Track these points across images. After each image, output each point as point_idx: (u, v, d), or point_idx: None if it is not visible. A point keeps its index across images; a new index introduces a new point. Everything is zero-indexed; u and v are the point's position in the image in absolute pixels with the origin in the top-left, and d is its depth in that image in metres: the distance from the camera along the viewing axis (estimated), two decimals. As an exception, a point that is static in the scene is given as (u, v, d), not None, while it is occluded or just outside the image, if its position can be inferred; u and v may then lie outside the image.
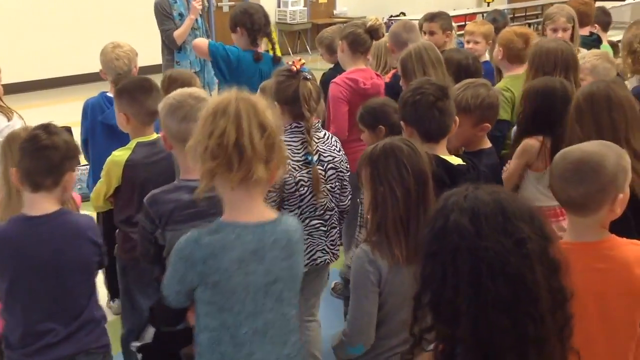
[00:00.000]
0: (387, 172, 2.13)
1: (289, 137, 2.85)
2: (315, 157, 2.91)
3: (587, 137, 2.47)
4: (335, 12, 15.61)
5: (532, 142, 3.07)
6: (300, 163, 2.87)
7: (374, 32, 3.87)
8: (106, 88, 3.69)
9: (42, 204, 2.25)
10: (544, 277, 1.30)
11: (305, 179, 2.88)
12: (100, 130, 3.55)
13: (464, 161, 2.65)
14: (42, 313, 2.26)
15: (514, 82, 3.82)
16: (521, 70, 3.91)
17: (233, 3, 13.48)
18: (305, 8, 14.67)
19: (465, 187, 1.39)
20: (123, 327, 3.09)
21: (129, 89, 2.80)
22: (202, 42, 4.32)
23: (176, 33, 5.31)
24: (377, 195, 2.14)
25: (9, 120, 3.40)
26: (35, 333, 2.26)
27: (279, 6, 13.94)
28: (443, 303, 1.33)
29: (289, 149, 2.81)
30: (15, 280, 2.25)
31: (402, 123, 2.75)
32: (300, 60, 2.94)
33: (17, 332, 2.27)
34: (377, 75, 3.98)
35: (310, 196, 2.90)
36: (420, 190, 2.12)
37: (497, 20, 5.38)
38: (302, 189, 2.87)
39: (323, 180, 2.93)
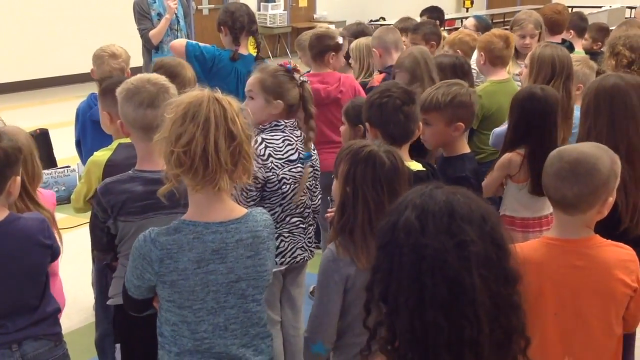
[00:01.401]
0: (363, 180, 2.12)
1: (271, 135, 2.87)
2: (296, 156, 2.92)
3: (600, 131, 2.55)
4: (315, 16, 15.64)
5: (512, 157, 3.04)
6: (283, 161, 2.88)
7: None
8: (95, 89, 3.68)
9: None
10: (484, 282, 1.29)
11: (288, 177, 2.89)
12: (90, 128, 3.52)
13: (423, 167, 2.67)
14: None
15: (495, 87, 3.84)
16: (504, 74, 3.93)
17: (213, 6, 13.48)
18: (285, 12, 14.69)
19: (427, 185, 1.40)
20: (97, 329, 3.06)
21: (112, 87, 2.77)
22: (179, 42, 4.30)
23: (151, 32, 5.30)
24: (347, 196, 2.14)
25: None
26: None
27: (259, 9, 13.94)
28: (389, 295, 1.34)
29: (271, 147, 2.83)
30: None
31: (367, 124, 2.77)
32: (293, 64, 2.99)
33: None
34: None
35: (292, 194, 2.92)
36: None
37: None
38: (284, 186, 2.89)
39: (310, 177, 2.98)
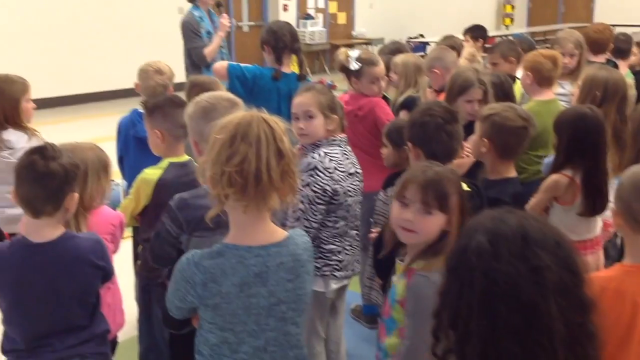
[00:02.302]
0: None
1: (331, 149, 2.88)
2: (354, 169, 2.96)
3: None
4: (353, 33, 15.71)
5: (559, 178, 2.99)
6: (345, 174, 2.89)
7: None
8: (137, 104, 3.73)
9: (43, 231, 2.23)
10: (560, 309, 1.26)
11: (350, 189, 2.90)
12: (133, 145, 3.56)
13: (468, 186, 2.62)
14: (39, 332, 2.26)
15: (541, 107, 3.78)
16: (550, 94, 3.88)
17: (253, 23, 13.61)
18: (324, 29, 14.77)
19: (498, 209, 1.37)
20: (140, 344, 3.07)
21: (161, 105, 2.81)
22: (221, 65, 4.34)
23: (206, 50, 5.36)
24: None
25: (29, 139, 3.35)
26: (32, 347, 2.26)
27: (298, 27, 14.02)
28: (459, 321, 1.31)
29: (334, 160, 2.85)
30: (13, 303, 2.25)
31: (408, 144, 2.76)
32: (330, 80, 3.00)
33: (16, 343, 2.28)
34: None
35: (354, 205, 2.93)
36: None
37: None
38: (349, 199, 2.90)
39: (360, 191, 2.99)
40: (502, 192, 2.80)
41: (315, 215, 2.80)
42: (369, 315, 4.00)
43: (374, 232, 2.89)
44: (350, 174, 2.93)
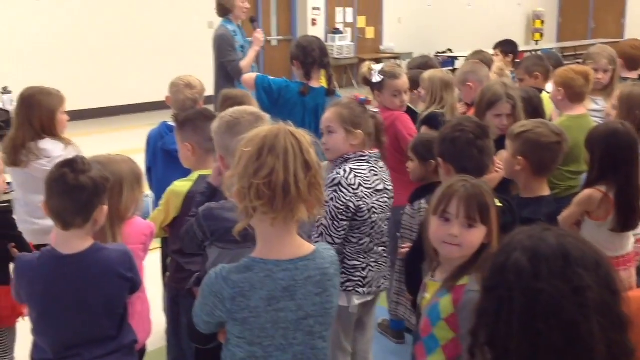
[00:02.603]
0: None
1: (357, 165, 2.86)
2: (382, 186, 2.93)
3: None
4: (381, 47, 15.73)
5: (593, 193, 2.96)
6: (371, 190, 2.87)
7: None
8: (167, 117, 3.77)
9: (73, 242, 2.25)
10: (601, 329, 1.25)
11: (377, 207, 2.89)
12: (161, 157, 3.61)
13: (501, 202, 2.59)
14: (68, 342, 2.27)
15: (573, 122, 3.75)
16: (581, 109, 3.85)
17: (282, 37, 13.70)
18: (353, 43, 14.81)
19: (534, 227, 1.36)
20: (168, 355, 3.08)
21: (191, 118, 2.83)
22: (249, 76, 4.38)
23: (242, 63, 5.40)
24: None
25: (64, 148, 3.44)
26: (61, 357, 2.28)
27: (326, 41, 14.08)
28: (496, 340, 1.29)
29: (360, 176, 2.83)
30: (42, 314, 2.27)
31: (439, 159, 2.74)
32: (365, 97, 3.00)
33: (45, 353, 2.30)
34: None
35: (380, 223, 2.92)
36: None
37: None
38: (374, 216, 2.88)
39: (388, 208, 2.97)
40: (536, 212, 2.76)
41: (338, 231, 2.80)
42: (396, 330, 3.98)
43: (404, 248, 2.87)
44: (378, 190, 2.91)
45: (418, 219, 3.23)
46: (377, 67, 3.91)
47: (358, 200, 2.81)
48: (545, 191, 2.91)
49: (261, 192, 1.80)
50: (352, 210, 2.81)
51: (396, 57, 14.85)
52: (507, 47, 6.15)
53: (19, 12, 9.83)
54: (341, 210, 2.77)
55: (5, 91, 5.85)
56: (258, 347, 1.89)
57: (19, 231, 3.08)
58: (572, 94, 3.85)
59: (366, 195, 2.84)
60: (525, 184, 2.90)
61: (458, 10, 16.83)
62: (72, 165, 2.22)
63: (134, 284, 2.37)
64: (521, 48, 14.72)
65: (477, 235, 2.10)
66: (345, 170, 2.82)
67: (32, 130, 3.41)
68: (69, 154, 3.29)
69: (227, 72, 5.47)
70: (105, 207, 2.28)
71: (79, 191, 2.18)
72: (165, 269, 3.27)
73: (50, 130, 3.45)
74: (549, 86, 4.26)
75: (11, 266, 2.97)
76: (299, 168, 1.82)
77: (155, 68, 10.71)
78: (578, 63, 4.81)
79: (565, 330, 1.24)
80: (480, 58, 5.01)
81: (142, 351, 2.75)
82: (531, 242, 1.31)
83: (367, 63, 4.02)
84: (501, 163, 3.00)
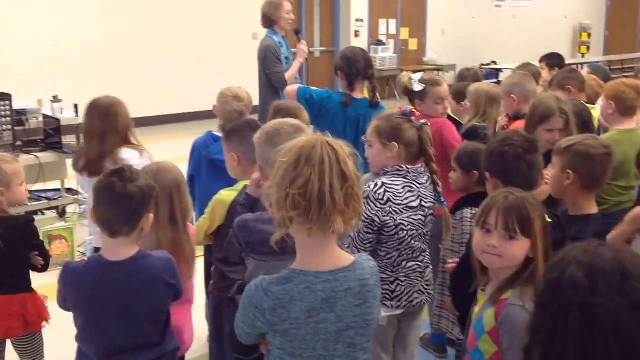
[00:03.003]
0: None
1: (391, 180, 2.84)
2: (417, 203, 2.88)
3: None
4: (424, 59, 15.68)
5: None
6: (402, 207, 2.84)
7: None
8: (213, 126, 3.81)
9: (119, 250, 2.28)
10: None
11: (406, 223, 2.85)
12: (205, 167, 3.65)
13: (549, 218, 2.53)
14: (112, 349, 2.30)
15: (622, 136, 3.70)
16: (632, 124, 3.78)
17: (324, 48, 13.76)
18: (395, 55, 14.80)
19: (588, 242, 1.34)
20: (210, 365, 3.10)
21: (238, 128, 2.87)
22: (292, 87, 4.41)
23: (287, 75, 5.44)
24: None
25: (140, 156, 3.54)
26: None
27: (369, 52, 14.09)
28: (551, 357, 1.27)
29: (390, 191, 2.81)
30: (88, 320, 2.30)
31: (486, 174, 2.69)
32: (411, 108, 2.96)
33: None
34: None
35: (410, 240, 2.87)
36: None
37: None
38: (401, 232, 2.84)
39: (422, 226, 2.91)
40: (584, 230, 2.68)
41: (364, 243, 2.78)
42: (438, 344, 3.94)
43: (451, 263, 2.84)
44: (411, 207, 2.86)
45: (460, 229, 3.20)
46: (416, 76, 3.91)
47: (384, 216, 2.79)
48: (593, 209, 2.83)
49: (297, 202, 1.80)
50: (378, 225, 2.79)
51: (439, 69, 14.79)
52: (553, 60, 6.07)
53: (71, 24, 10.07)
54: (367, 224, 2.75)
55: (55, 100, 5.97)
56: (299, 358, 1.88)
57: (41, 240, 3.15)
58: (623, 107, 3.79)
59: (395, 211, 2.81)
60: (573, 201, 2.82)
61: (503, 22, 16.70)
62: (121, 174, 2.25)
63: (177, 291, 2.39)
64: (567, 61, 14.57)
65: (518, 247, 2.08)
66: (376, 184, 2.81)
67: (118, 138, 3.52)
68: (144, 161, 3.40)
69: (272, 83, 5.51)
70: (151, 216, 2.31)
71: (126, 200, 2.22)
72: (208, 277, 3.29)
73: (127, 139, 3.58)
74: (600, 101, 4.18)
75: (32, 274, 3.06)
76: (335, 179, 1.81)
77: (201, 78, 10.87)
78: (625, 76, 4.72)
79: (624, 345, 1.22)
80: (528, 71, 4.95)
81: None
82: (587, 257, 1.29)
83: (405, 73, 4.01)
84: (550, 181, 2.94)
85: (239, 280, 2.54)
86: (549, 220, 2.45)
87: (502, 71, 12.82)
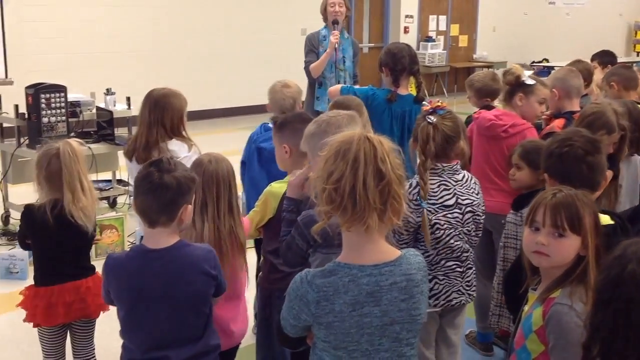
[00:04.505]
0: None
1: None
2: (453, 201, 2.86)
3: None
4: (474, 56, 15.51)
5: None
6: (437, 206, 2.82)
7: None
8: (266, 119, 3.85)
9: (158, 239, 2.29)
10: None
11: (442, 222, 2.82)
12: (256, 155, 3.68)
13: (612, 219, 2.45)
14: (156, 341, 2.31)
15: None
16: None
17: (373, 45, 13.71)
18: (445, 51, 14.67)
19: None
20: (257, 355, 3.12)
21: (290, 121, 2.88)
22: (334, 88, 4.41)
23: (312, 65, 5.43)
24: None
25: (189, 149, 3.60)
26: (148, 358, 2.31)
27: (418, 49, 14.02)
28: (612, 354, 1.25)
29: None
30: (131, 310, 2.32)
31: (545, 175, 2.63)
32: (438, 101, 2.90)
33: (134, 353, 2.34)
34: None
35: (447, 238, 2.85)
36: None
37: None
38: (438, 232, 2.82)
39: (460, 224, 2.88)
40: None
41: (400, 245, 2.75)
42: (484, 342, 3.91)
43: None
44: (447, 206, 2.84)
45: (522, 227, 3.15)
46: (527, 72, 3.84)
47: (419, 216, 2.77)
48: None
49: (332, 197, 1.81)
50: (413, 225, 2.78)
51: (489, 65, 14.61)
52: (604, 58, 5.93)
53: (125, 19, 10.25)
54: (402, 224, 2.74)
55: (109, 92, 6.08)
56: (343, 351, 1.88)
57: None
58: None
59: (429, 211, 2.79)
60: None
61: (556, 19, 16.41)
62: (158, 165, 2.27)
63: (219, 283, 2.39)
64: (621, 59, 14.23)
65: (567, 245, 2.03)
66: (410, 184, 2.79)
67: (163, 131, 3.59)
68: (192, 155, 3.45)
69: (310, 77, 5.54)
70: (190, 207, 2.31)
71: (163, 190, 2.22)
72: (258, 269, 3.32)
73: (178, 131, 3.63)
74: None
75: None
76: (369, 176, 1.80)
77: (250, 74, 10.98)
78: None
79: None
80: (580, 68, 4.83)
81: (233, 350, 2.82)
82: None
83: (517, 66, 3.92)
84: None
85: (289, 273, 2.55)
86: (612, 222, 2.40)
87: (553, 69, 12.59)
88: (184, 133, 3.66)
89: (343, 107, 3.26)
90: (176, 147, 3.57)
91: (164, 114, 3.60)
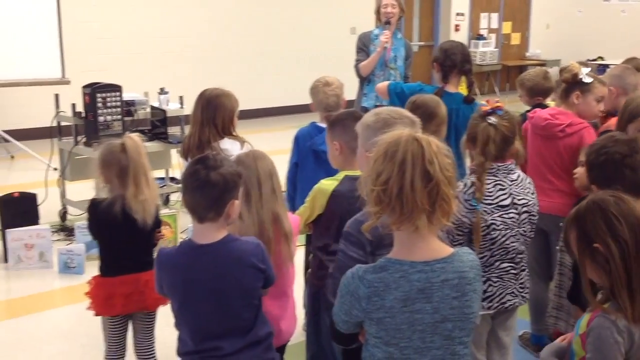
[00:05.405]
0: (597, 230, 1.95)
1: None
2: (509, 201, 2.82)
3: None
4: (527, 54, 15.29)
5: None
6: (493, 206, 2.79)
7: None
8: (315, 118, 3.86)
9: (207, 234, 2.32)
10: None
11: (498, 223, 2.79)
12: (310, 157, 3.70)
13: None
14: (207, 333, 2.34)
15: None
16: None
17: (423, 43, 13.63)
18: (497, 49, 14.49)
19: None
20: (307, 352, 3.14)
21: (342, 118, 2.89)
22: (382, 84, 4.39)
23: (362, 64, 5.44)
24: (590, 259, 1.99)
25: (241, 147, 3.66)
26: (202, 349, 2.35)
27: (469, 47, 13.87)
28: None
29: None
30: (183, 303, 2.36)
31: (592, 187, 2.60)
32: (497, 102, 2.86)
33: (188, 345, 2.38)
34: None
35: (503, 239, 2.82)
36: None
37: None
38: (493, 232, 2.79)
39: (516, 224, 2.84)
40: None
41: (454, 245, 2.71)
42: (537, 344, 3.86)
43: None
44: (502, 206, 2.80)
45: None
46: (584, 69, 3.77)
47: (474, 217, 2.74)
48: None
49: (380, 197, 1.81)
50: (468, 227, 2.75)
51: (542, 64, 14.36)
52: None
53: (177, 19, 10.42)
54: (457, 226, 2.68)
55: (163, 92, 6.19)
56: (395, 347, 1.88)
57: None
58: None
59: (485, 211, 2.76)
60: None
61: (611, 17, 16.05)
62: (205, 162, 2.29)
63: (267, 277, 2.41)
64: (681, 56, 13.80)
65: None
66: (465, 185, 2.76)
67: (214, 130, 3.67)
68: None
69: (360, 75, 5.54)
70: (237, 202, 2.33)
71: (209, 187, 2.25)
72: (307, 265, 3.34)
73: (229, 130, 3.71)
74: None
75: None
76: (416, 178, 1.79)
77: (300, 72, 10.99)
78: None
79: None
80: (635, 65, 4.72)
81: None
82: None
83: (575, 63, 3.85)
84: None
85: None
86: None
87: (608, 67, 12.32)
88: (234, 132, 3.73)
89: (422, 107, 3.23)
90: (229, 146, 3.62)
91: (215, 113, 3.67)
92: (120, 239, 3.06)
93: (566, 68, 3.71)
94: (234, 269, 2.32)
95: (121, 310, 3.10)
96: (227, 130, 3.70)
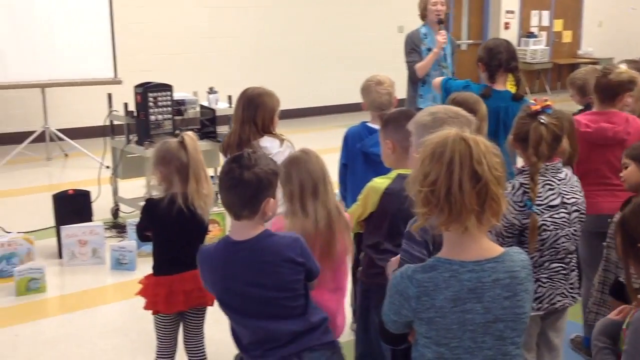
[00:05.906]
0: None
1: (527, 180, 2.74)
2: (558, 200, 2.77)
3: None
4: (579, 52, 15.00)
5: None
6: (543, 207, 2.74)
7: None
8: (365, 117, 3.85)
9: (243, 231, 2.35)
10: None
11: (548, 223, 2.75)
12: (360, 159, 3.69)
13: None
14: (257, 327, 2.37)
15: None
16: None
17: (472, 41, 13.49)
18: (547, 47, 14.25)
19: None
20: (356, 350, 3.14)
21: (395, 117, 2.89)
22: (437, 80, 4.38)
23: (418, 65, 5.39)
24: (634, 259, 1.97)
25: (280, 145, 3.70)
26: (257, 341, 2.38)
27: (519, 45, 13.70)
28: None
29: (528, 193, 2.71)
30: (222, 298, 2.40)
31: None
32: (545, 100, 2.81)
33: (245, 338, 2.41)
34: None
35: (554, 240, 2.77)
36: None
37: None
38: (543, 233, 2.75)
39: (567, 224, 2.79)
40: None
41: (504, 247, 2.69)
42: (589, 348, 3.78)
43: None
44: (552, 206, 2.75)
45: None
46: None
47: (524, 219, 2.70)
48: None
49: (428, 198, 1.80)
50: (518, 228, 2.71)
51: (595, 62, 14.08)
52: None
53: (225, 20, 10.54)
54: (506, 227, 2.68)
55: (212, 91, 6.26)
56: (445, 347, 1.87)
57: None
58: None
59: (535, 212, 2.71)
60: None
61: (666, 13, 15.63)
62: (240, 161, 2.31)
63: (309, 270, 2.41)
64: None
65: None
66: (513, 186, 2.72)
67: (254, 128, 3.72)
68: (285, 150, 3.56)
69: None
70: (272, 200, 2.34)
71: (243, 186, 2.27)
72: (357, 263, 3.34)
73: (268, 128, 3.75)
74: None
75: None
76: (464, 178, 1.77)
77: (347, 71, 11.01)
78: None
79: None
80: (636, 67, 4.58)
81: None
82: None
83: (624, 67, 3.81)
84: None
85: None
86: None
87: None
88: (273, 131, 3.77)
89: (462, 104, 3.21)
90: (268, 144, 3.67)
91: (256, 112, 3.72)
92: (181, 235, 3.09)
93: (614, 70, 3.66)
94: (271, 264, 2.34)
95: (183, 307, 3.13)
96: (267, 129, 3.74)
